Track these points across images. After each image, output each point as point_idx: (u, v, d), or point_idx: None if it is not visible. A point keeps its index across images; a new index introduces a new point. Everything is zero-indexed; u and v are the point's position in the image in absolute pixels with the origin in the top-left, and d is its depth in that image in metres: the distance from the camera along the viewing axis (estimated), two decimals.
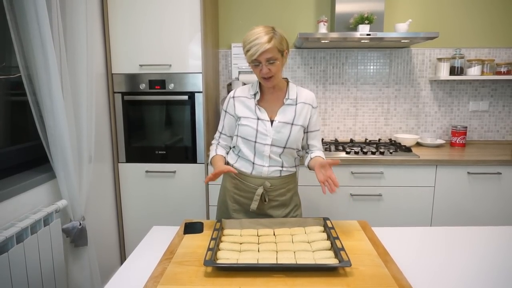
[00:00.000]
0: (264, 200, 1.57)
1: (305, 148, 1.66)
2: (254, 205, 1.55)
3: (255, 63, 1.44)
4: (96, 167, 2.14)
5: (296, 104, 1.55)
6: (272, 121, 1.53)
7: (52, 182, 1.70)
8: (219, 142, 1.69)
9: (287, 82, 1.60)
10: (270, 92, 1.57)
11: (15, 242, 1.34)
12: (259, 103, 1.56)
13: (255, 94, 1.56)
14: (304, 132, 1.59)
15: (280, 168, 1.57)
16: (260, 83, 1.58)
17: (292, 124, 1.53)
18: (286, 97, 1.55)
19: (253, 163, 1.56)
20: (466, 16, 2.75)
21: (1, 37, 1.64)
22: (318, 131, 1.63)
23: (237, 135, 1.60)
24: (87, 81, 1.83)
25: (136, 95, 2.34)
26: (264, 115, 1.53)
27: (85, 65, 1.81)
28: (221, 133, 1.67)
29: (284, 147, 1.53)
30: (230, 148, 1.69)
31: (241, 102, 1.58)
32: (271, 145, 1.53)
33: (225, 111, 1.63)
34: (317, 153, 1.61)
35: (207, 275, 1.08)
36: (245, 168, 1.59)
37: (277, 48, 1.42)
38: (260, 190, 1.55)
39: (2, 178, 1.57)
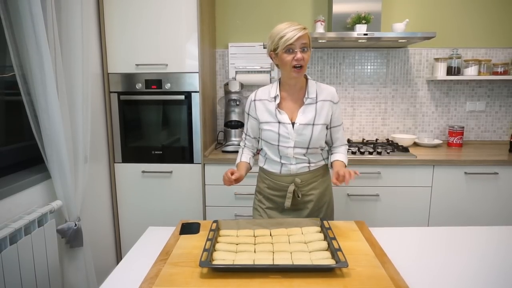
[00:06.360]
0: (297, 196, 1.58)
1: (329, 143, 1.65)
2: (287, 203, 1.57)
3: (288, 49, 1.43)
4: (92, 167, 2.13)
5: (316, 102, 1.54)
6: (293, 123, 1.52)
7: (47, 182, 1.69)
8: (245, 144, 1.71)
9: (306, 79, 1.58)
10: (290, 92, 1.56)
11: (8, 243, 1.33)
12: (279, 105, 1.55)
13: (275, 97, 1.55)
14: (327, 129, 1.58)
15: (308, 164, 1.58)
16: (279, 85, 1.57)
17: (313, 124, 1.52)
18: (306, 96, 1.54)
19: (281, 163, 1.58)
20: (463, 16, 2.75)
21: None
22: (340, 125, 1.62)
23: (261, 139, 1.62)
24: (83, 80, 1.82)
25: (132, 95, 2.33)
26: (284, 118, 1.53)
27: (80, 65, 1.79)
28: (246, 134, 1.69)
29: (308, 148, 1.54)
30: (257, 149, 1.72)
31: (262, 105, 1.58)
32: (294, 147, 1.53)
33: (248, 114, 1.64)
34: (337, 155, 1.59)
35: (203, 276, 1.07)
36: (274, 168, 1.61)
37: (309, 39, 1.46)
38: (291, 188, 1.56)
39: None
